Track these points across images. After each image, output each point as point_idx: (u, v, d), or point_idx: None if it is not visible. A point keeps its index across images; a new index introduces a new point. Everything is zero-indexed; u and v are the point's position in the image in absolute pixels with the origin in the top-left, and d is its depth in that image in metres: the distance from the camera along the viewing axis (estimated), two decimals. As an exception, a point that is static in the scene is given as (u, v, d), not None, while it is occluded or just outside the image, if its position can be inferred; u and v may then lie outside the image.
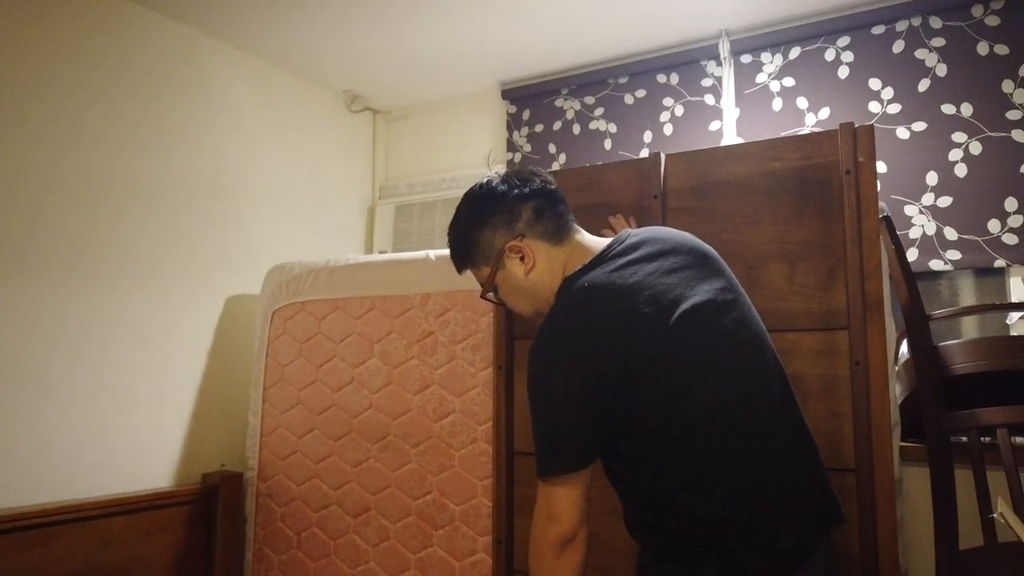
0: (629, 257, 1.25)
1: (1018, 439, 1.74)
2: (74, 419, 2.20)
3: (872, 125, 1.57)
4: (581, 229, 1.37)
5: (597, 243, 1.33)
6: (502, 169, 3.12)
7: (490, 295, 1.40)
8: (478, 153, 3.24)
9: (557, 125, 3.05)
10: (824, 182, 1.60)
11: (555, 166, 3.02)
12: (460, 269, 1.42)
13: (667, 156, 1.78)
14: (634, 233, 1.31)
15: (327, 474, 2.32)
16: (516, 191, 1.33)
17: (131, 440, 2.34)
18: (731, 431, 1.16)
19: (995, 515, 1.52)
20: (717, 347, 1.19)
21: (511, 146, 3.15)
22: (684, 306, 1.18)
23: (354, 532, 2.25)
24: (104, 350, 2.29)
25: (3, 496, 2.02)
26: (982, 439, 1.72)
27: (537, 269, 1.31)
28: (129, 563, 2.19)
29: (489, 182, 1.37)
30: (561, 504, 1.18)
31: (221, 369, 2.63)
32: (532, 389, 1.21)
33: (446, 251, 2.24)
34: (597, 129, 2.96)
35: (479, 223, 1.34)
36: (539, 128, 3.09)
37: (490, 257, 1.34)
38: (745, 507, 1.14)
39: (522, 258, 1.32)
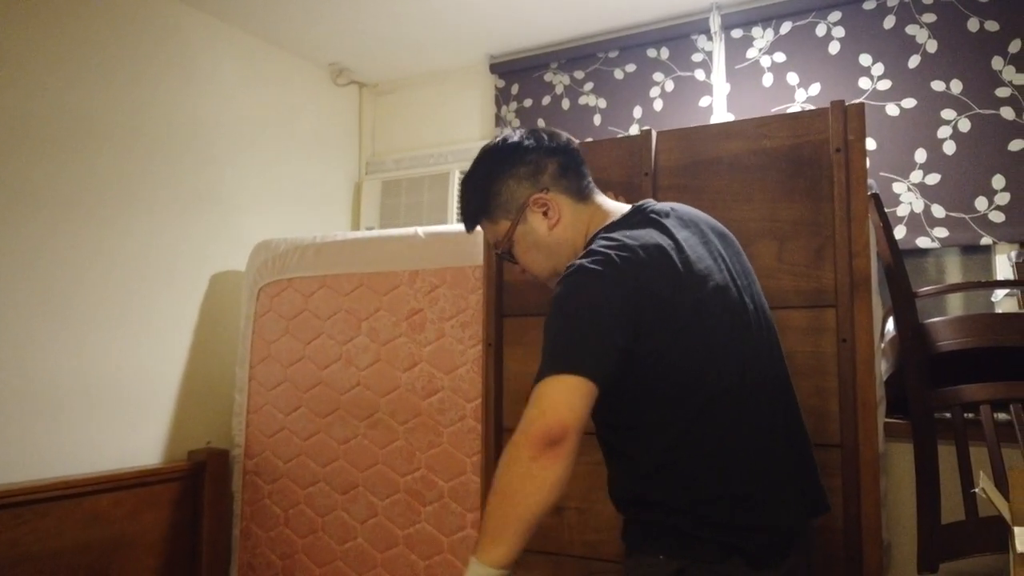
0: (661, 222, 1.21)
1: (1001, 415, 1.76)
2: (60, 396, 2.18)
3: (863, 103, 1.57)
4: (601, 192, 1.35)
5: (620, 206, 1.31)
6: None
7: (503, 253, 1.35)
8: (466, 128, 3.21)
9: (546, 100, 3.02)
10: (814, 160, 1.60)
11: (544, 142, 2.99)
12: (472, 224, 1.36)
13: (658, 133, 1.77)
14: (658, 204, 1.29)
15: (315, 451, 2.32)
16: (543, 144, 1.30)
17: (117, 417, 2.33)
18: (744, 409, 1.15)
19: (977, 490, 1.54)
20: (739, 326, 1.18)
21: (499, 121, 3.12)
22: (715, 281, 1.17)
23: (342, 509, 2.25)
24: (89, 326, 2.27)
25: (-12, 474, 2.01)
26: (965, 415, 1.74)
27: (562, 224, 1.28)
28: (117, 539, 2.19)
29: (509, 136, 1.33)
30: (561, 397, 1.05)
31: (207, 346, 2.61)
32: (565, 294, 1.12)
33: (435, 228, 2.26)
34: (587, 104, 2.94)
35: (501, 174, 1.29)
36: (528, 103, 3.06)
37: (511, 210, 1.29)
38: (752, 485, 1.13)
39: (545, 212, 1.28)
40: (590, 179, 1.33)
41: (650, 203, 1.27)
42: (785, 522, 1.15)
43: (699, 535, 1.12)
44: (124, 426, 2.35)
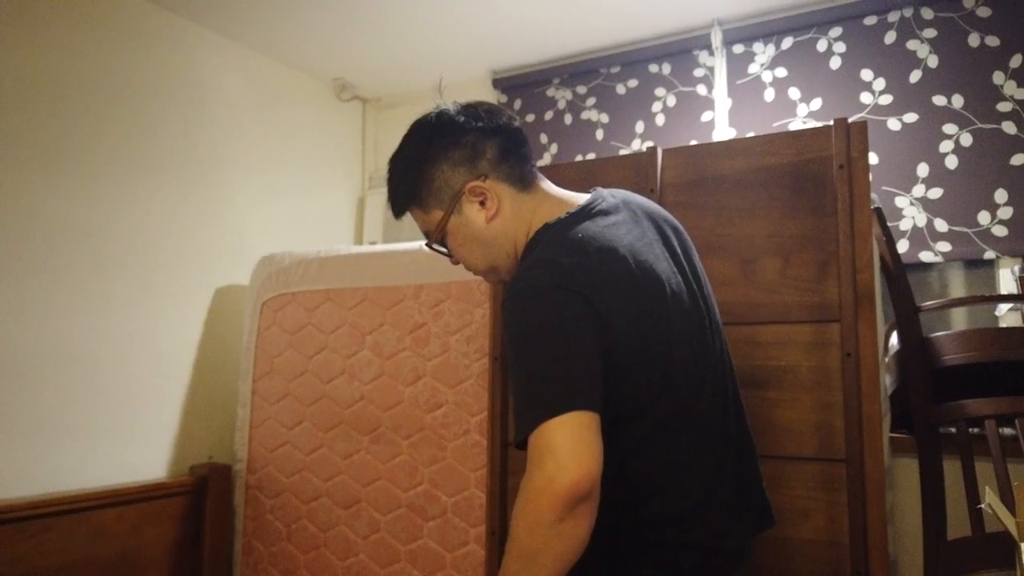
0: (615, 217, 1.13)
1: (1006, 430, 1.76)
2: (63, 412, 2.18)
3: (865, 121, 1.59)
4: (545, 178, 1.23)
5: (571, 195, 1.20)
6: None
7: (436, 245, 1.23)
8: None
9: (549, 115, 3.04)
10: (818, 177, 1.61)
11: (547, 157, 3.01)
12: (400, 211, 1.21)
13: (664, 151, 1.80)
14: (608, 193, 1.20)
15: (317, 466, 2.31)
16: (480, 123, 1.15)
17: (120, 432, 2.32)
18: (698, 425, 1.09)
19: (983, 505, 1.53)
20: (697, 336, 1.12)
21: (502, 136, 3.13)
22: (671, 288, 1.10)
23: (344, 524, 2.24)
24: (93, 341, 2.27)
25: (-9, 488, 2.01)
26: (970, 430, 1.74)
27: (501, 216, 1.15)
28: (120, 555, 2.18)
29: (445, 111, 1.17)
30: (577, 442, 0.92)
31: (210, 360, 2.61)
32: (527, 323, 1.00)
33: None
34: (589, 119, 2.95)
35: (434, 157, 1.15)
36: (530, 118, 3.08)
37: (444, 199, 1.16)
38: (699, 504, 1.07)
39: (483, 203, 1.15)
40: (534, 163, 1.21)
41: (600, 196, 1.18)
42: (730, 541, 1.10)
43: (643, 555, 1.06)
44: (127, 440, 2.34)
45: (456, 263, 1.25)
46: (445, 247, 1.22)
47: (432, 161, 1.15)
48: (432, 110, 1.20)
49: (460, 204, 1.15)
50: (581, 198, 1.18)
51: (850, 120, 1.58)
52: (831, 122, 1.60)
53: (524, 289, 1.03)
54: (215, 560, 2.40)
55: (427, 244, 1.23)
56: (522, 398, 0.99)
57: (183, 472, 2.46)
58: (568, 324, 0.99)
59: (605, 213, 1.13)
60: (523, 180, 1.17)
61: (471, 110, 1.17)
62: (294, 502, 2.34)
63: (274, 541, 2.36)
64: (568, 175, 1.89)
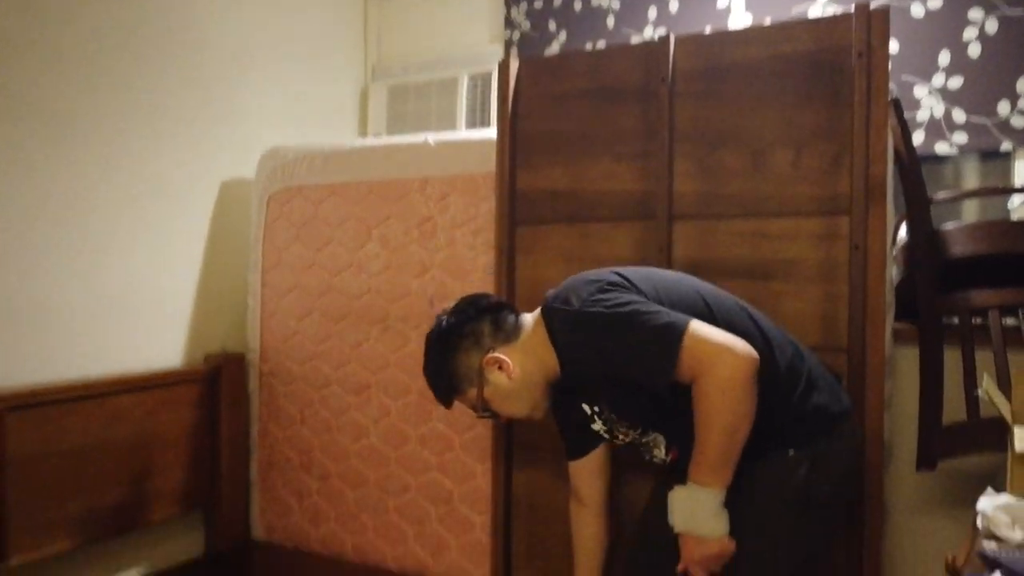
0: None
1: (1008, 320, 1.77)
2: (78, 299, 2.21)
3: (888, 7, 1.53)
4: (519, 312, 1.53)
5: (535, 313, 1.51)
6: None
7: (485, 412, 1.51)
8: (475, 31, 3.12)
9: (558, 1, 2.92)
10: (835, 66, 1.57)
11: (555, 45, 2.90)
12: (448, 402, 1.52)
13: (676, 39, 1.74)
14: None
15: (328, 355, 2.37)
16: (467, 315, 1.48)
17: (136, 325, 2.36)
18: (774, 337, 1.42)
19: (980, 391, 1.56)
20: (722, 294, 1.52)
21: (509, 23, 3.02)
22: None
23: (355, 410, 2.32)
24: (105, 230, 2.27)
25: (18, 374, 2.06)
26: (975, 320, 1.75)
27: (519, 367, 1.44)
28: (138, 437, 2.26)
29: (440, 322, 1.51)
30: (723, 335, 1.24)
31: (219, 253, 2.62)
32: (607, 310, 1.31)
33: (445, 135, 2.24)
34: (599, 6, 2.83)
35: (451, 356, 1.47)
36: (538, 4, 2.95)
37: (472, 379, 1.46)
38: (823, 381, 1.42)
39: (500, 367, 1.44)
40: (513, 315, 1.51)
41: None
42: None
43: (806, 427, 1.36)
44: (142, 333, 2.38)
45: (504, 421, 1.63)
46: (490, 411, 1.50)
47: (451, 359, 1.47)
48: (433, 325, 1.52)
49: (485, 377, 1.45)
50: None
51: (872, 6, 1.52)
52: (852, 8, 1.54)
53: (581, 303, 1.35)
54: (232, 442, 2.49)
55: (479, 415, 1.52)
56: (648, 349, 1.27)
57: (197, 362, 2.52)
58: (631, 294, 1.34)
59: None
60: (514, 333, 1.47)
61: (458, 310, 1.50)
62: (306, 389, 2.41)
63: (288, 425, 2.44)
64: (577, 65, 1.83)
